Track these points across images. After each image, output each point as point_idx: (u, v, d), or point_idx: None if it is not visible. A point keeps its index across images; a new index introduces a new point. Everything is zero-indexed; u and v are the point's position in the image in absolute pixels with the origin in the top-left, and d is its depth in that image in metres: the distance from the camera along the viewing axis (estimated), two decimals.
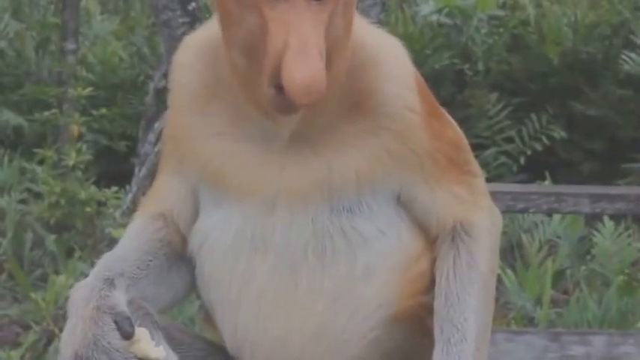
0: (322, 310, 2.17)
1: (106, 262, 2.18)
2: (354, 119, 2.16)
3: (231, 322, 2.23)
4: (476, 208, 2.25)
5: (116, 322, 2.05)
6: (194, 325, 4.38)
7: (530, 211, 3.81)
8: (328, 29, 2.03)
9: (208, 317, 2.31)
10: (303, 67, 1.95)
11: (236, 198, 2.18)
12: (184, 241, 2.28)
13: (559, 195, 3.73)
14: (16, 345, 4.49)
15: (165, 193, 2.28)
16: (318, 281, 2.17)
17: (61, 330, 4.29)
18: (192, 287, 2.31)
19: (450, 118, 2.30)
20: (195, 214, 2.26)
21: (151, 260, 2.24)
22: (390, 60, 2.19)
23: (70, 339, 2.06)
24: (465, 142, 2.29)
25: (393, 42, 2.24)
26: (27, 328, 4.78)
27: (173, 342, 2.22)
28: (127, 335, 2.05)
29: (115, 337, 2.04)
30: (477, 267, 2.22)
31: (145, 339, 2.08)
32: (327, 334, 2.18)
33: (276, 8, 2.01)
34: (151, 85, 6.73)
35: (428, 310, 2.22)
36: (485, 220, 2.26)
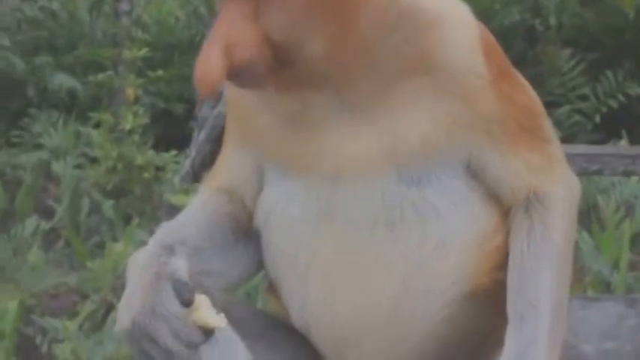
0: (393, 285, 2.14)
1: (166, 230, 2.17)
2: (414, 84, 2.11)
3: (297, 296, 2.21)
4: (551, 177, 2.18)
5: (175, 289, 2.03)
6: (257, 294, 4.38)
7: (605, 173, 3.75)
8: (262, 18, 2.03)
9: (272, 288, 2.28)
10: (200, 61, 2.03)
11: (299, 171, 2.15)
12: (250, 217, 2.25)
13: (635, 157, 3.67)
14: (73, 314, 4.52)
15: (230, 169, 2.27)
16: (389, 256, 2.13)
17: (119, 299, 4.34)
18: (259, 265, 2.28)
19: (522, 80, 2.22)
20: (260, 189, 2.24)
21: (215, 232, 2.22)
22: (450, 22, 2.13)
23: (127, 307, 2.04)
24: (539, 106, 2.22)
25: (454, 2, 2.18)
26: (84, 297, 4.81)
27: (231, 318, 2.21)
28: (186, 302, 2.02)
29: (174, 305, 2.01)
30: (553, 239, 2.15)
31: (205, 306, 2.07)
32: (397, 311, 2.15)
33: (221, 5, 2.08)
34: None
35: (504, 286, 2.15)
36: (561, 189, 2.18)
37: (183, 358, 2.04)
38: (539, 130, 2.20)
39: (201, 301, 2.06)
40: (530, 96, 2.21)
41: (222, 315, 2.07)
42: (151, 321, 2.02)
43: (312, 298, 2.18)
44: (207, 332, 2.05)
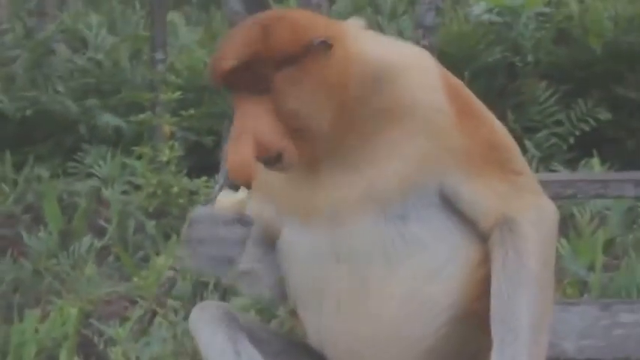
0: (393, 311, 2.13)
1: None
2: (388, 130, 2.11)
3: (313, 323, 2.23)
4: (520, 205, 2.10)
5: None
6: (271, 318, 4.39)
7: (579, 196, 3.71)
8: (282, 112, 2.05)
9: (293, 312, 2.32)
10: (232, 154, 2.05)
11: (307, 219, 2.17)
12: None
13: (606, 182, 3.63)
14: (124, 319, 4.54)
15: (254, 215, 2.25)
16: (387, 286, 2.12)
17: (162, 306, 4.34)
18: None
19: (489, 117, 2.17)
20: (279, 230, 2.26)
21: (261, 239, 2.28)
22: (412, 70, 2.12)
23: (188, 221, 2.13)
24: (506, 140, 2.16)
25: (416, 53, 2.18)
26: (133, 302, 4.82)
27: (254, 338, 2.23)
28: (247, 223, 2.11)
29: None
30: (526, 264, 2.07)
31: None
32: (398, 333, 2.14)
33: (234, 101, 2.09)
34: None
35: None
36: (531, 216, 2.10)
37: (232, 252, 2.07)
38: (507, 163, 2.14)
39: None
40: (496, 131, 2.16)
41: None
42: (205, 219, 2.09)
43: (325, 324, 2.20)
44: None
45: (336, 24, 2.14)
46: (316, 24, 2.08)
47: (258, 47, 2.04)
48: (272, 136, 2.04)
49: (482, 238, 2.13)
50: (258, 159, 2.04)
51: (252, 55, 2.04)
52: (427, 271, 2.11)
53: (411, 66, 2.13)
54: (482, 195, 2.10)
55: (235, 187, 2.14)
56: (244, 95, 2.06)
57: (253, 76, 2.04)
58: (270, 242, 2.28)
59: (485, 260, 2.12)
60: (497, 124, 2.18)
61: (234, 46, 2.07)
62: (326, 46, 2.05)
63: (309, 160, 2.11)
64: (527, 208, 2.11)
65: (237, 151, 2.03)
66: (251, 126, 2.03)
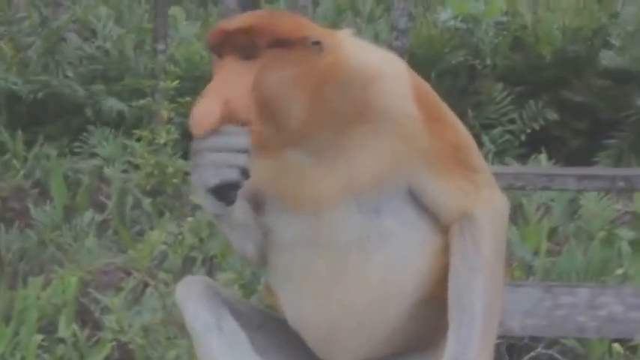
0: (367, 294, 2.07)
1: None
2: (361, 130, 2.04)
3: (292, 304, 2.14)
4: (478, 200, 2.06)
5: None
6: (252, 293, 4.32)
7: (527, 188, 3.71)
8: (259, 84, 1.95)
9: (269, 291, 2.22)
10: (199, 107, 1.92)
11: (290, 206, 2.08)
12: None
13: (552, 176, 3.63)
14: (119, 289, 4.46)
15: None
16: (363, 272, 2.06)
17: (154, 278, 4.26)
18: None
19: (453, 120, 2.12)
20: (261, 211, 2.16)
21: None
22: (387, 76, 2.06)
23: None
24: (467, 141, 2.11)
25: (390, 60, 2.11)
26: (128, 273, 4.74)
27: (235, 312, 2.14)
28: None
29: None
30: (482, 254, 2.03)
31: None
32: (371, 313, 2.08)
33: (218, 65, 1.99)
34: None
35: None
36: (487, 210, 2.07)
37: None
38: (468, 161, 2.10)
39: None
40: (459, 134, 2.12)
41: None
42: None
43: (304, 306, 2.12)
44: None
45: (332, 33, 2.10)
46: (316, 28, 2.05)
47: (262, 21, 1.99)
48: (242, 104, 1.94)
49: (444, 229, 2.09)
50: (222, 120, 1.93)
51: (254, 24, 1.97)
52: (398, 259, 2.07)
53: (386, 74, 2.07)
54: (445, 192, 2.07)
55: None
56: (230, 62, 1.97)
57: (247, 43, 1.97)
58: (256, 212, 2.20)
59: (446, 249, 2.08)
60: (459, 125, 2.14)
61: (241, 16, 2.03)
62: (319, 48, 2.00)
63: (272, 147, 2.04)
64: (483, 202, 2.08)
65: (205, 106, 1.92)
66: (226, 89, 1.94)
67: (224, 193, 1.94)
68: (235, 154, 1.93)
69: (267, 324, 2.23)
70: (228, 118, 1.93)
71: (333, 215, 2.06)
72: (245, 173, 1.94)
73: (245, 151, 1.93)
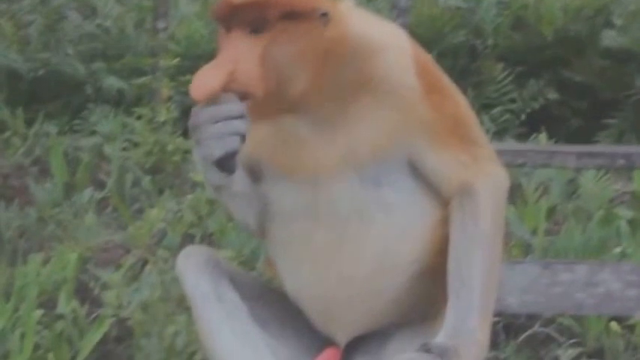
0: (366, 265, 2.07)
1: None
2: (363, 101, 2.05)
3: (292, 275, 2.15)
4: (478, 173, 2.07)
5: None
6: (254, 264, 4.33)
7: (527, 165, 3.73)
8: (267, 57, 1.95)
9: (269, 263, 2.23)
10: (202, 73, 1.93)
11: (289, 175, 2.08)
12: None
13: (551, 153, 3.64)
14: (118, 266, 4.47)
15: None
16: (362, 242, 2.07)
17: (153, 254, 4.27)
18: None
19: (454, 93, 2.12)
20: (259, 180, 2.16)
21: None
22: (389, 48, 2.07)
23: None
24: (468, 114, 2.12)
25: (393, 32, 2.11)
26: (127, 251, 4.76)
27: (235, 282, 2.15)
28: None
29: None
30: (481, 227, 2.04)
31: None
32: (370, 284, 2.09)
33: (226, 39, 1.99)
34: None
35: None
36: (487, 184, 2.07)
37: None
38: (468, 134, 2.11)
39: None
40: (460, 106, 2.12)
41: None
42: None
43: (303, 276, 2.12)
44: None
45: (337, 4, 2.10)
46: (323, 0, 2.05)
47: None
48: (249, 74, 1.95)
49: (444, 201, 2.10)
50: (225, 88, 1.93)
51: None
52: (397, 230, 2.07)
53: (389, 46, 2.08)
54: (445, 164, 2.07)
55: None
56: (238, 34, 1.98)
57: (256, 15, 1.97)
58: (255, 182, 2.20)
59: (445, 222, 2.09)
60: (461, 99, 2.14)
61: None
62: (326, 19, 2.01)
63: (272, 115, 2.05)
64: (483, 176, 2.08)
65: (208, 72, 1.94)
66: (234, 59, 1.95)
67: (226, 162, 1.94)
68: (234, 122, 1.93)
69: (267, 295, 2.23)
70: (230, 88, 1.93)
71: (332, 186, 2.06)
72: (244, 138, 1.94)
73: (242, 117, 1.94)
